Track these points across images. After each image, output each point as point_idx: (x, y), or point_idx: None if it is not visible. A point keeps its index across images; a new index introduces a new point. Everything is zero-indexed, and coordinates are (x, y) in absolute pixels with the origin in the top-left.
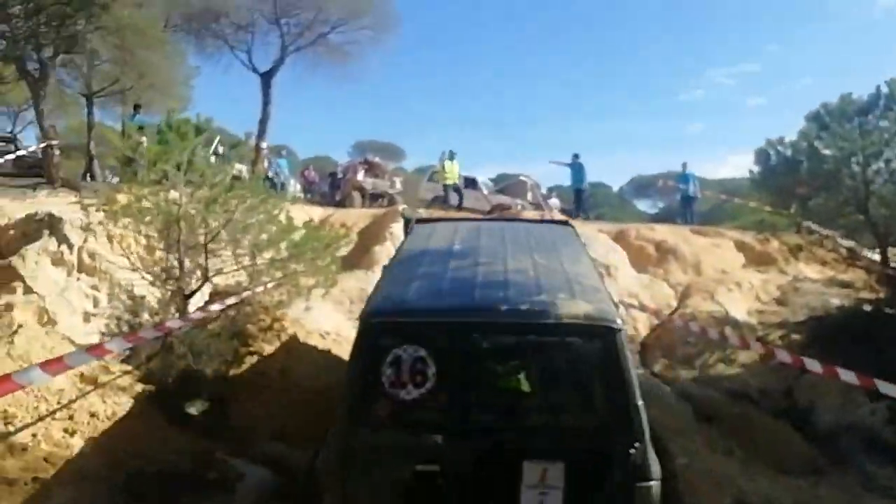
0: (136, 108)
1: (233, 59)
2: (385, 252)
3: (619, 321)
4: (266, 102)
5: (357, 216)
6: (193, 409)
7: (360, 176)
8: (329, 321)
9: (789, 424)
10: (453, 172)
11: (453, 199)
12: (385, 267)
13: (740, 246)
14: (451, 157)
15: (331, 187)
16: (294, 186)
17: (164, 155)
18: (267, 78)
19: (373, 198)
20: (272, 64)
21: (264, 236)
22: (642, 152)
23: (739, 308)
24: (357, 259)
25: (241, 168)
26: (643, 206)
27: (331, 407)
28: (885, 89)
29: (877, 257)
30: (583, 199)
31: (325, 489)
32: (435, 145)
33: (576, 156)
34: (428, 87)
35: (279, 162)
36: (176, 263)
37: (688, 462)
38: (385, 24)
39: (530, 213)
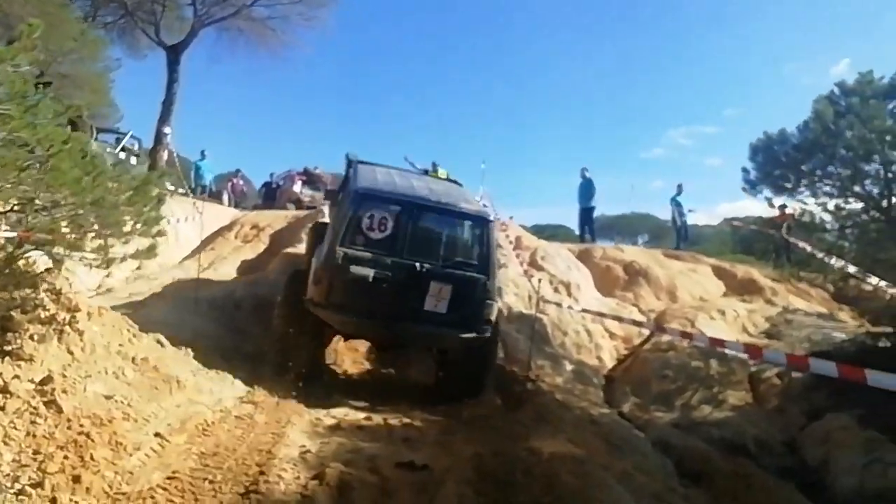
0: (203, 153)
1: (141, 37)
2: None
3: (492, 216)
4: (171, 81)
5: (272, 217)
6: None
7: (297, 187)
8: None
9: (796, 487)
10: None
11: None
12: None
13: (719, 272)
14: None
15: (264, 198)
16: (224, 197)
17: None
18: (174, 53)
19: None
20: (182, 37)
21: None
22: (606, 204)
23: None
24: (263, 263)
25: None
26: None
27: None
28: None
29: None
30: (591, 220)
31: (315, 282)
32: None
33: (584, 170)
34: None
35: (198, 164)
36: None
37: None
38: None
39: None
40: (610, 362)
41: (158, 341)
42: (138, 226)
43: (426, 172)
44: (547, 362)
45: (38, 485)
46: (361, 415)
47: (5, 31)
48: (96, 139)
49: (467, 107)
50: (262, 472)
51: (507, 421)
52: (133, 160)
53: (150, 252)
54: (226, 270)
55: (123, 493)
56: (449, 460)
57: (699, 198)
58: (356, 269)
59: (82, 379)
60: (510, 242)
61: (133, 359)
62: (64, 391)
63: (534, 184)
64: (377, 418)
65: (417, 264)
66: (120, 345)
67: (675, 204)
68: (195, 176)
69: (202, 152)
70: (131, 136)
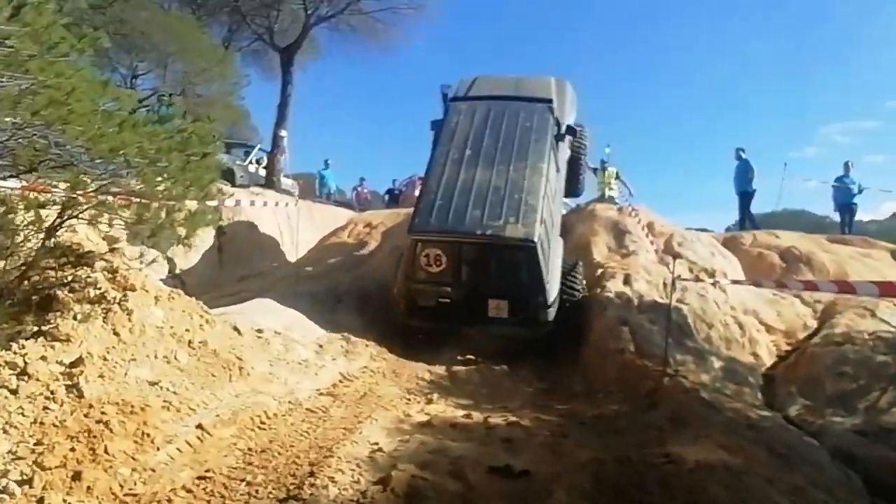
0: (326, 162)
1: (275, 57)
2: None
3: (537, 239)
4: (286, 83)
5: (385, 216)
6: None
7: (419, 191)
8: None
9: None
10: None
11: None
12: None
13: None
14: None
15: (388, 204)
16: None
17: None
18: (287, 54)
19: None
20: (294, 38)
21: None
22: (754, 204)
23: None
24: (371, 258)
25: None
26: None
27: None
28: None
29: None
30: (749, 207)
31: (396, 302)
32: None
33: (740, 150)
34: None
35: (322, 173)
36: None
37: None
38: None
39: None
40: (769, 359)
41: (235, 328)
42: (191, 192)
43: (594, 171)
44: (688, 357)
45: (28, 482)
46: (460, 412)
47: (148, 55)
48: (227, 152)
49: (597, 99)
50: (312, 474)
51: (637, 423)
52: (262, 172)
53: (201, 219)
54: (333, 264)
55: (134, 495)
56: (558, 466)
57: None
58: (422, 300)
59: (125, 363)
60: (642, 228)
61: (190, 342)
62: (101, 375)
63: (672, 187)
64: (477, 416)
65: (474, 287)
66: (186, 329)
67: (842, 185)
68: (319, 185)
69: (326, 161)
70: (260, 149)
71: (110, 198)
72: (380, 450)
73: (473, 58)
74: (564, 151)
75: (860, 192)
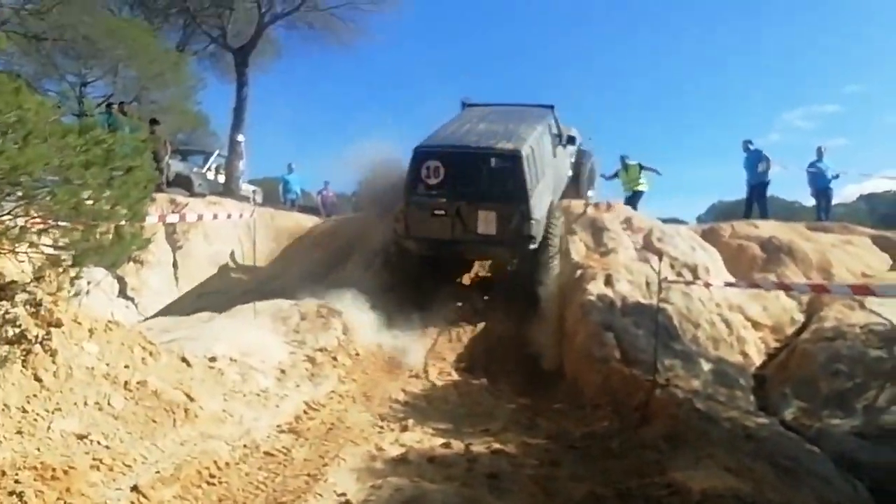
0: (290, 166)
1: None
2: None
3: (524, 153)
4: (241, 85)
5: (350, 221)
6: None
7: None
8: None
9: None
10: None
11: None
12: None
13: (883, 243)
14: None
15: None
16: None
17: None
18: (241, 55)
19: None
20: (247, 39)
21: None
22: (722, 191)
23: None
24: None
25: None
26: None
27: None
28: None
29: None
30: (765, 197)
31: (396, 221)
32: None
33: (748, 142)
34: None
35: (285, 178)
36: None
37: None
38: None
39: None
40: (758, 358)
41: (183, 359)
42: (121, 212)
43: (614, 176)
44: (677, 362)
45: None
46: (438, 440)
47: (97, 62)
48: (184, 160)
49: (562, 94)
50: None
51: (631, 443)
52: (221, 179)
53: (136, 242)
54: (299, 277)
55: None
56: None
57: None
58: (421, 212)
59: (48, 413)
60: (620, 224)
61: (126, 383)
62: (19, 431)
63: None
64: (458, 444)
65: (467, 198)
66: (125, 366)
67: (815, 170)
68: (283, 190)
69: (289, 165)
70: (219, 155)
71: (21, 221)
72: (347, 502)
73: (441, 54)
74: (564, 156)
75: (836, 177)
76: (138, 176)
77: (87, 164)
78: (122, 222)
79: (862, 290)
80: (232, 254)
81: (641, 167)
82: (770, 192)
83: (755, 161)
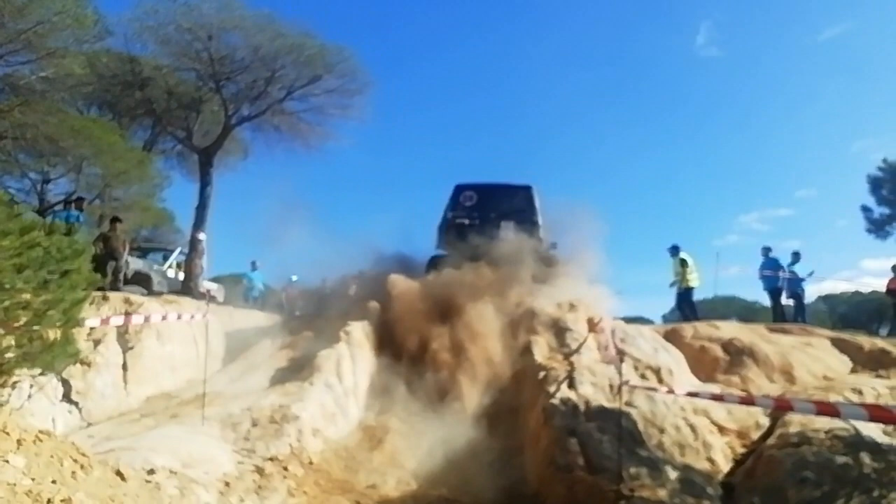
0: (253, 263)
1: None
2: (334, 356)
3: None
4: (205, 184)
5: (314, 321)
6: None
7: (352, 291)
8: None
9: None
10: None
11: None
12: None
13: (841, 345)
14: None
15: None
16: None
17: None
18: (206, 155)
19: None
20: (213, 140)
21: None
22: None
23: (870, 425)
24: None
25: None
26: None
27: None
28: None
29: None
30: (787, 304)
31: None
32: None
33: (767, 249)
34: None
35: (248, 275)
36: None
37: None
38: (352, 87)
39: None
40: (725, 465)
41: (118, 472)
42: (55, 316)
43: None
44: (643, 469)
45: None
46: None
47: (61, 160)
48: (144, 257)
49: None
50: None
51: None
52: (181, 276)
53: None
54: (256, 380)
55: None
56: None
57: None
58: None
59: None
60: (583, 324)
61: (49, 501)
62: None
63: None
64: None
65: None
66: (52, 481)
67: (790, 275)
68: (246, 288)
69: (253, 263)
70: (180, 252)
71: None
72: None
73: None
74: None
75: (811, 274)
76: (74, 279)
77: (20, 267)
78: (56, 326)
79: (827, 410)
80: (185, 355)
81: (684, 263)
82: (732, 292)
83: (772, 266)
